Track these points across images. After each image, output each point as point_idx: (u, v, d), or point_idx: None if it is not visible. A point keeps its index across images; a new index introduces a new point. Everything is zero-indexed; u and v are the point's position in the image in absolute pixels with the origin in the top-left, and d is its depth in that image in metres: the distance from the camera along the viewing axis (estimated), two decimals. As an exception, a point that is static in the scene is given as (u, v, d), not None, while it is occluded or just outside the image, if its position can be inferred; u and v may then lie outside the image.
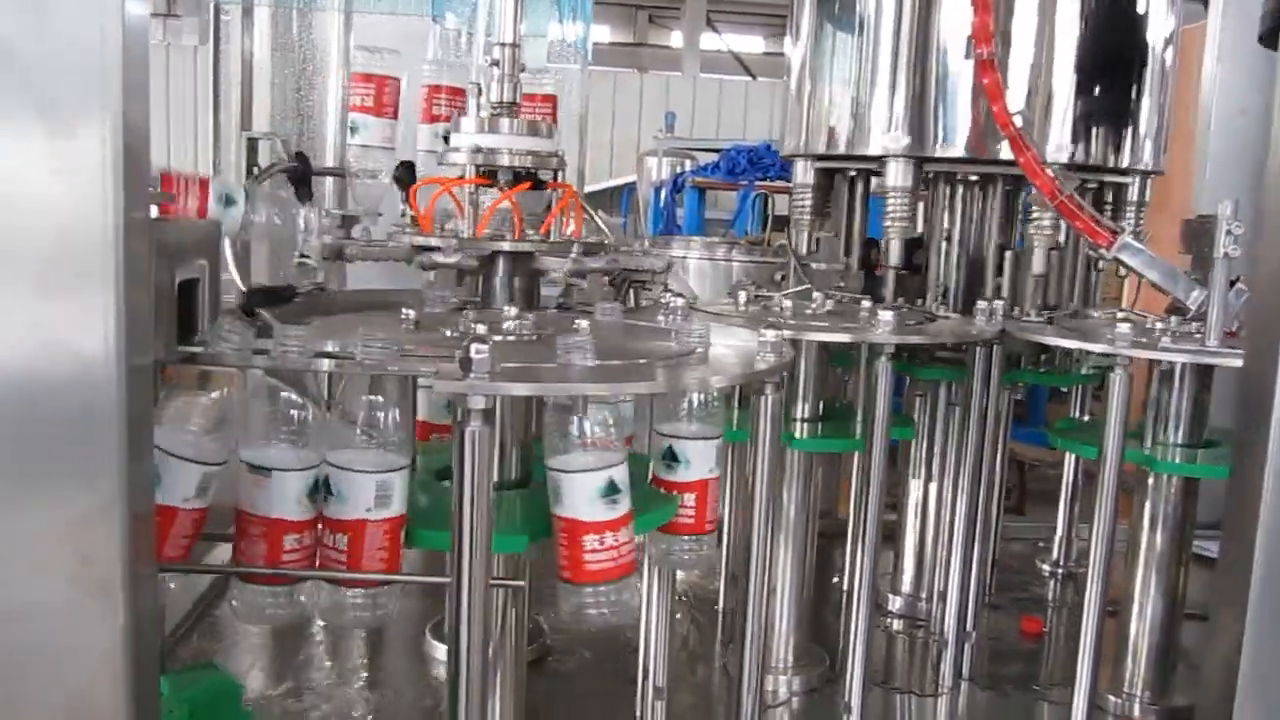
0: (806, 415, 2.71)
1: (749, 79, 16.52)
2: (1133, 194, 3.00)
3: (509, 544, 1.79)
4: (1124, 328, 2.35)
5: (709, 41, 18.86)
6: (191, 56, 14.06)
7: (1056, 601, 3.75)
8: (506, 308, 2.18)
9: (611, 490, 1.73)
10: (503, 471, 1.98)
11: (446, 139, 2.72)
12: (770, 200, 8.86)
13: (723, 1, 17.56)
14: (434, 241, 2.45)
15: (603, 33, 20.23)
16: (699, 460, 1.94)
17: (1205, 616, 3.30)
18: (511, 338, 1.93)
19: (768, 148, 9.14)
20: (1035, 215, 2.87)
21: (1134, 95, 2.94)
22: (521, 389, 1.65)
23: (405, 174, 2.91)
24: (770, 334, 1.89)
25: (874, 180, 3.26)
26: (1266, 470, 1.43)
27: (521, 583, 1.88)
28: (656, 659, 2.35)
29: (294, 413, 1.74)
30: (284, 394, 1.77)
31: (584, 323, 1.94)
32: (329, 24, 3.12)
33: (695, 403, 1.96)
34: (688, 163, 10.83)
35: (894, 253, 2.95)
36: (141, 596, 1.25)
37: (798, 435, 2.68)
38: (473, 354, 1.53)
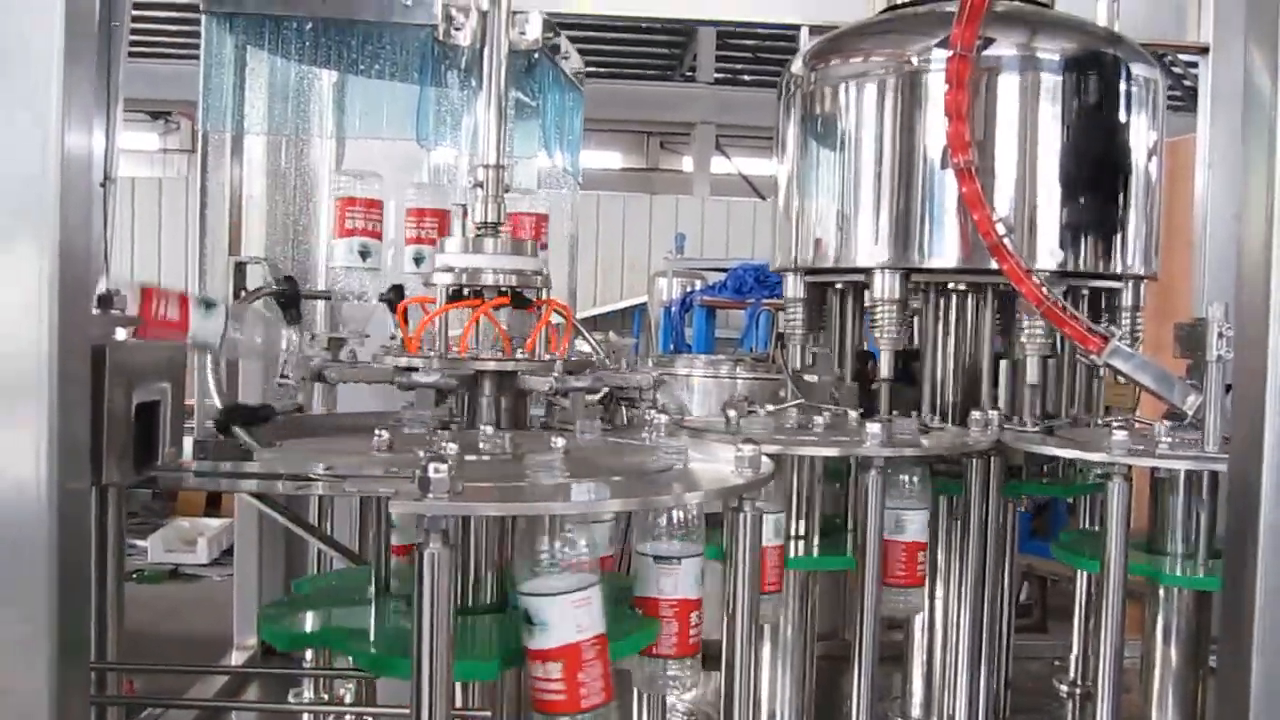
0: (798, 533, 2.64)
1: (757, 200, 16.73)
2: (1126, 299, 2.97)
3: (479, 671, 1.73)
4: (1120, 435, 2.29)
5: (719, 165, 19.17)
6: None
7: (1076, 724, 3.59)
8: (484, 427, 2.15)
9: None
10: (476, 595, 1.91)
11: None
12: (777, 317, 8.87)
13: (731, 127, 17.89)
14: (413, 361, 2.44)
15: (614, 159, 20.61)
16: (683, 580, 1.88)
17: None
18: (486, 457, 1.89)
19: (774, 266, 9.17)
20: (1026, 324, 2.84)
21: (1120, 201, 2.94)
22: (487, 509, 1.60)
23: (396, 296, 2.92)
24: (747, 448, 1.85)
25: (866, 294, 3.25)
26: (1258, 581, 1.37)
27: (487, 713, 1.80)
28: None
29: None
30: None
31: (560, 440, 1.90)
32: (321, 150, 3.17)
33: (675, 520, 1.91)
34: (698, 282, 10.90)
35: (885, 365, 2.91)
36: (69, 734, 1.19)
37: (789, 554, 2.60)
38: (431, 473, 1.49)
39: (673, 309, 9.86)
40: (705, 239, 14.91)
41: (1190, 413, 2.36)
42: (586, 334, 3.08)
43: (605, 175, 19.13)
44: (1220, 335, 2.20)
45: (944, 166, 2.66)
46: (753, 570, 1.84)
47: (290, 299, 2.94)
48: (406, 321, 2.68)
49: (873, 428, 2.31)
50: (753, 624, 1.90)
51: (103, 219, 3.73)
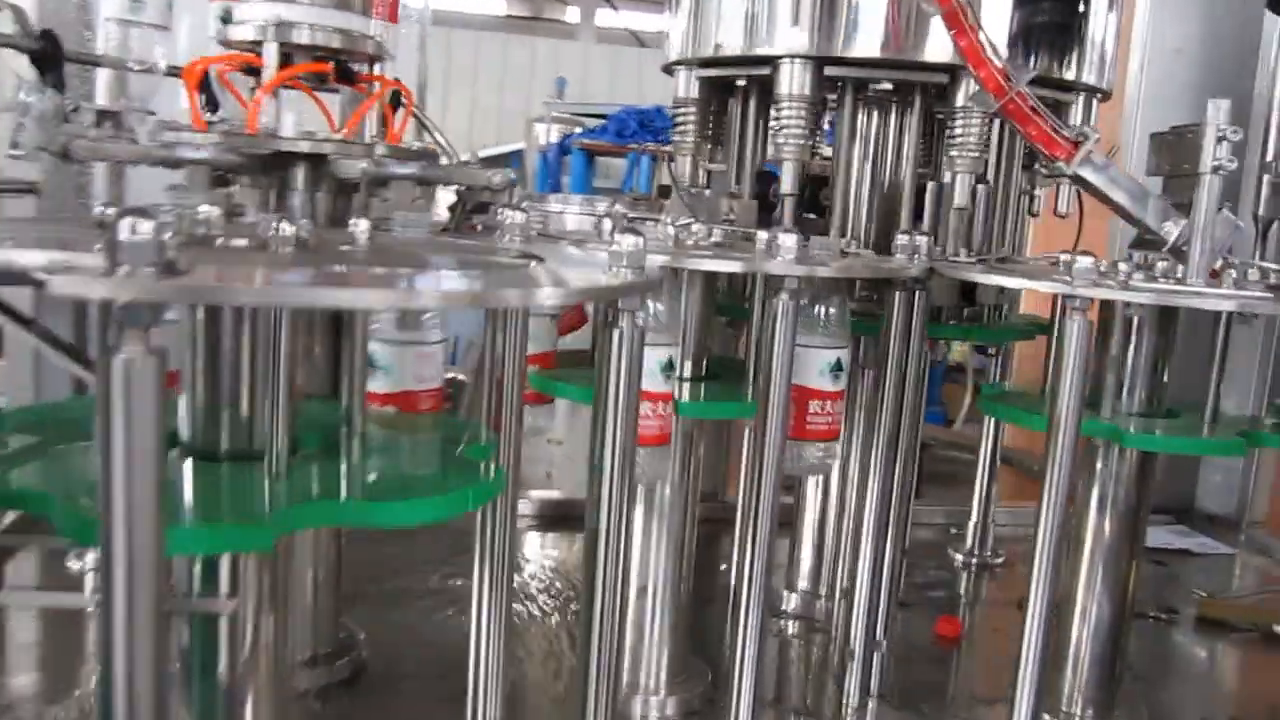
0: (686, 374, 2.15)
1: (644, 50, 15.96)
2: (1076, 114, 2.52)
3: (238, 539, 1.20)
4: (1085, 261, 1.84)
5: (605, 18, 18.36)
6: None
7: (970, 597, 3.29)
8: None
9: (837, 367, 2.08)
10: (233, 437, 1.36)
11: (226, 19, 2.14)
12: (660, 163, 8.34)
13: (620, -25, 16.99)
14: (186, 137, 1.90)
15: (499, 5, 19.65)
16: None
17: (1154, 616, 2.83)
18: (259, 247, 1.33)
19: (659, 111, 8.60)
20: (959, 135, 2.37)
21: (1081, 6, 2.46)
22: (228, 296, 1.06)
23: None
24: (628, 240, 1.33)
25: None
26: None
27: (234, 601, 1.26)
28: (490, 674, 1.80)
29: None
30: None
31: (366, 227, 1.37)
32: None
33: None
34: (578, 129, 10.34)
35: (789, 179, 2.41)
36: None
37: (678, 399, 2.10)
38: (124, 236, 0.93)
39: (549, 154, 9.23)
40: (589, 86, 14.20)
41: (1170, 239, 1.92)
42: (433, 127, 2.52)
43: (487, 20, 18.20)
44: (1222, 139, 1.76)
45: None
46: (629, 403, 1.34)
47: (50, 58, 2.32)
48: (202, 90, 2.10)
49: (786, 240, 1.81)
50: (626, 473, 1.42)
51: None
